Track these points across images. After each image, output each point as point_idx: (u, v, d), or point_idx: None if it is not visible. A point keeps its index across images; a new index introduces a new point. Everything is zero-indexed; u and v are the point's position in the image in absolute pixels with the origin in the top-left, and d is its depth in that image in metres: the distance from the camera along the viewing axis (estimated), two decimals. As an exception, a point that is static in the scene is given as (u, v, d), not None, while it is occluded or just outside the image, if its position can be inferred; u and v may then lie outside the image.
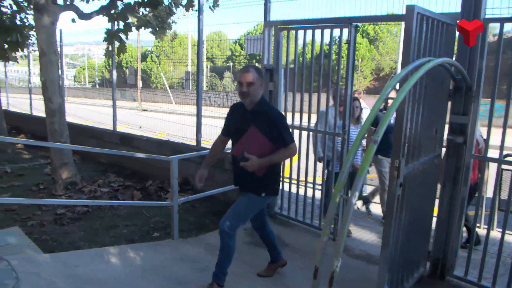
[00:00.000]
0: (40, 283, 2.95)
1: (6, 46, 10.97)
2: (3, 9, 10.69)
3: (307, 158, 4.39)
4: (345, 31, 3.87)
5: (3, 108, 10.73)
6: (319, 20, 4.25)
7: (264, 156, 2.99)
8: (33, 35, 11.33)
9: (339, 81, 4.05)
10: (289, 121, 3.94)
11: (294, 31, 4.32)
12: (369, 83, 27.61)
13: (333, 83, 4.14)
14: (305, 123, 4.40)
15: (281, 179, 4.29)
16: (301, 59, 4.26)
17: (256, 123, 3.03)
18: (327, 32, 4.04)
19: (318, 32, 4.15)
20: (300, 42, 4.21)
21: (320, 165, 4.45)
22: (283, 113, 4.71)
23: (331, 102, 4.39)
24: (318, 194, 4.59)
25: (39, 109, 11.07)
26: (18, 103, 14.04)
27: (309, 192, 4.45)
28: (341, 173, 2.06)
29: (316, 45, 4.40)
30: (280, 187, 4.75)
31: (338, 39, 4.09)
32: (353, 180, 2.03)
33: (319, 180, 4.78)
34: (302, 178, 4.46)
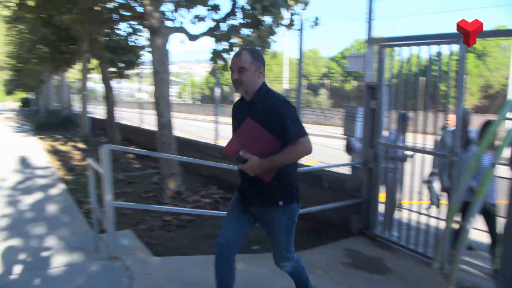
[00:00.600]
0: (153, 283, 3.19)
1: (122, 65, 12.21)
2: (120, 32, 11.90)
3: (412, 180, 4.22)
4: (454, 46, 3.72)
5: (116, 121, 11.82)
6: (425, 36, 4.10)
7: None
8: (143, 55, 12.46)
9: (449, 100, 3.87)
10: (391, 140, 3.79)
11: (398, 48, 4.25)
12: (477, 101, 25.75)
13: (440, 103, 3.96)
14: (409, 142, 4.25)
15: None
16: (405, 76, 4.15)
17: (253, 115, 2.46)
18: (431, 48, 3.91)
19: (423, 48, 4.03)
20: (404, 58, 4.12)
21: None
22: (388, 133, 4.59)
23: (448, 122, 4.18)
24: (423, 219, 4.37)
25: (147, 123, 12.08)
26: (128, 116, 15.37)
27: (413, 216, 4.26)
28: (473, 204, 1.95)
29: (418, 61, 4.25)
30: (381, 209, 4.64)
31: (443, 55, 3.88)
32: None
33: (421, 203, 4.55)
34: (405, 200, 4.30)
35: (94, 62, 14.14)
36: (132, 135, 12.93)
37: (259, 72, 2.50)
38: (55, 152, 11.21)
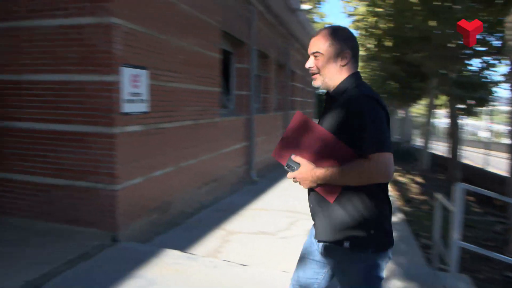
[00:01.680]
0: None
1: (472, 102, 11.71)
2: (472, 68, 11.46)
3: None
4: None
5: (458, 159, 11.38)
6: None
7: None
8: (496, 92, 11.54)
9: None
10: None
11: None
12: None
13: None
14: None
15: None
16: None
17: (325, 114, 1.89)
18: None
19: None
20: None
21: None
22: None
23: None
24: None
25: (493, 165, 11.13)
26: (469, 156, 14.51)
27: None
28: None
29: None
30: None
31: None
32: None
33: None
34: None
35: (442, 98, 14.19)
36: (474, 176, 12.12)
37: (342, 58, 1.87)
38: (394, 182, 11.84)
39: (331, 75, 1.88)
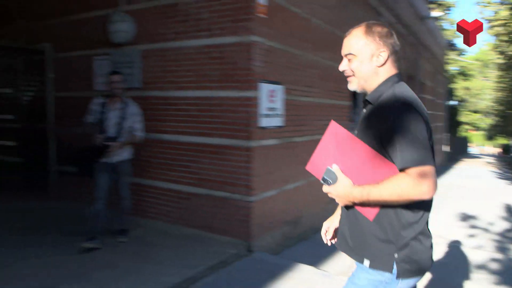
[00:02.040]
0: None
1: None
2: None
3: None
4: None
5: None
6: None
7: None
8: None
9: None
10: None
11: None
12: None
13: None
14: None
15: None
16: None
17: (361, 123, 1.70)
18: None
19: None
20: None
21: None
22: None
23: None
24: None
25: None
26: None
27: None
28: None
29: None
30: None
31: None
32: None
33: None
34: None
35: None
36: None
37: (378, 58, 1.67)
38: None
39: (366, 78, 1.70)
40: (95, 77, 5.79)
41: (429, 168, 1.46)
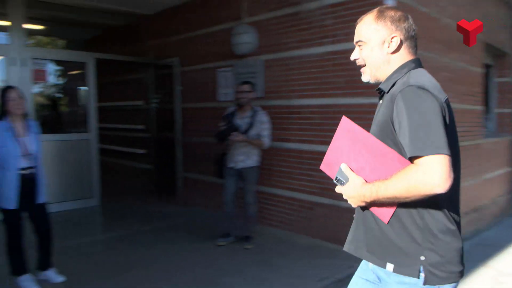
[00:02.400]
0: None
1: None
2: None
3: None
4: None
5: None
6: None
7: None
8: None
9: None
10: None
11: None
12: None
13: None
14: None
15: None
16: None
17: (375, 116, 1.56)
18: None
19: None
20: None
21: None
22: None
23: None
24: None
25: None
26: None
27: None
28: None
29: None
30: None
31: None
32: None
33: None
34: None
35: None
36: None
37: (390, 42, 1.52)
38: None
39: (378, 66, 1.56)
40: (219, 88, 6.04)
41: (442, 158, 1.27)
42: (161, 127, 7.23)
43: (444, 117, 1.35)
